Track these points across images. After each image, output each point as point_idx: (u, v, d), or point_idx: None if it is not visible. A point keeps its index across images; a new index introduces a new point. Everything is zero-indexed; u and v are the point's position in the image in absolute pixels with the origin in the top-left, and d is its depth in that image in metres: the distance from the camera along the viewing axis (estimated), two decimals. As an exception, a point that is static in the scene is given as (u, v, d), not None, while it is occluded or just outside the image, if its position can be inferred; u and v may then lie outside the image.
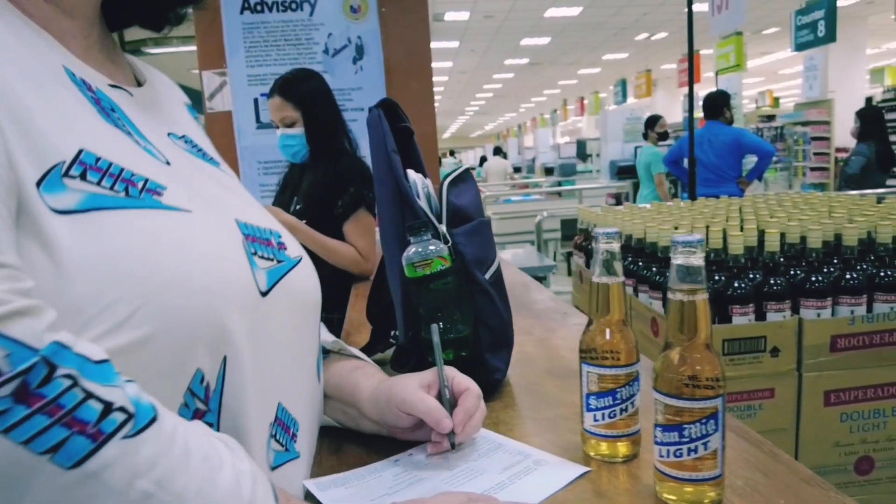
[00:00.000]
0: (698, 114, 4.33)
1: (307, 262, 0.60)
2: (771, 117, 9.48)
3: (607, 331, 0.60)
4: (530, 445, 0.66)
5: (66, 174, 0.39)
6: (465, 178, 0.84)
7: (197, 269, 0.42)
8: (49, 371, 0.32)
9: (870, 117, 4.96)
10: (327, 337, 0.74)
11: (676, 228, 1.68)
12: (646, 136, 5.68)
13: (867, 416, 1.41)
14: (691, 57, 3.00)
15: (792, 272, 1.39)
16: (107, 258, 0.38)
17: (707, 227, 1.66)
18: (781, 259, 1.40)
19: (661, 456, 0.53)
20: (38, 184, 0.38)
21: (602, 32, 11.22)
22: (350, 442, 0.69)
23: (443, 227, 0.78)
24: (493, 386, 0.82)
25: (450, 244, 0.77)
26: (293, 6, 2.42)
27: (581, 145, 10.39)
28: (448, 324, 0.75)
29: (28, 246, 0.37)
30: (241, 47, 2.45)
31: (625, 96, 11.97)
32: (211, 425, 0.43)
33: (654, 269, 1.62)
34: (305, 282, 0.58)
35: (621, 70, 14.56)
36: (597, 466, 0.61)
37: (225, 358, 0.44)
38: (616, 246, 0.59)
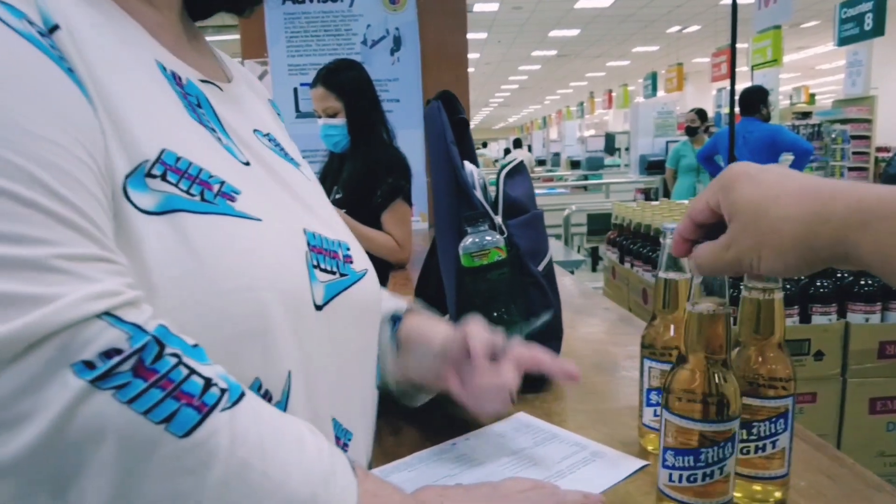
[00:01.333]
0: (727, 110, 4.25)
1: (371, 276, 0.58)
2: (807, 114, 9.24)
3: (672, 327, 0.60)
4: (585, 437, 0.67)
5: (149, 174, 0.40)
6: (520, 170, 0.84)
7: (255, 280, 0.42)
8: (159, 349, 0.34)
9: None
10: (401, 302, 0.73)
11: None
12: (695, 132, 5.54)
13: (912, 427, 1.38)
14: (734, 52, 2.94)
15: (839, 275, 1.36)
16: (174, 262, 0.39)
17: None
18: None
19: (728, 453, 0.52)
20: (127, 177, 0.39)
21: (632, 24, 11.04)
22: (408, 423, 0.70)
23: (499, 219, 0.78)
24: (543, 377, 0.82)
25: (505, 235, 0.77)
26: (333, -4, 2.43)
27: (609, 139, 10.26)
28: (502, 313, 0.76)
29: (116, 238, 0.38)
30: (281, 37, 2.47)
31: (655, 90, 11.77)
32: None
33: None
34: (367, 295, 0.57)
35: (651, 63, 14.33)
36: (655, 461, 0.61)
37: (290, 373, 0.44)
38: None
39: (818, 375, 1.39)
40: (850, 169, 7.52)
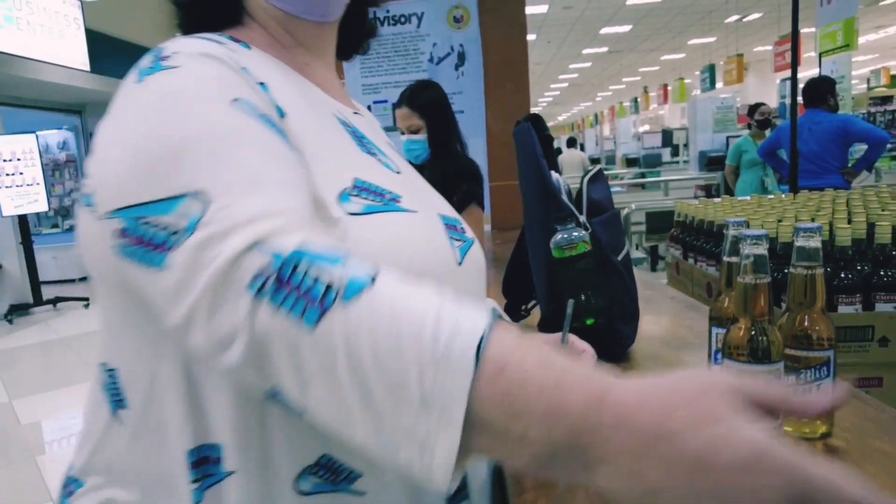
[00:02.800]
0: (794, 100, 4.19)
1: (478, 242, 0.76)
2: (887, 99, 8.80)
3: (753, 330, 0.73)
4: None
5: (350, 195, 0.59)
6: (599, 177, 1.00)
7: (423, 251, 0.61)
8: (293, 267, 0.41)
9: None
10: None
11: (780, 221, 1.75)
12: (750, 126, 5.49)
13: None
14: (795, 41, 2.95)
15: (902, 263, 1.43)
16: (374, 241, 0.57)
17: (812, 219, 1.72)
18: (894, 252, 1.45)
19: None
20: (338, 196, 0.57)
21: (688, 16, 10.85)
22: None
23: (583, 218, 0.94)
24: (623, 350, 0.97)
25: (589, 231, 0.93)
26: (402, 20, 2.64)
27: (667, 135, 10.12)
28: (588, 296, 0.91)
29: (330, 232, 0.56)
30: (357, 59, 2.70)
31: (713, 83, 11.52)
32: None
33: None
34: (479, 254, 0.75)
35: (708, 54, 13.98)
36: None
37: None
38: (765, 248, 0.63)
39: (883, 361, 1.45)
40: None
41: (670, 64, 16.11)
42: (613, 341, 0.93)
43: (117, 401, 0.61)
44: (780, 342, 0.61)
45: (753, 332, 0.61)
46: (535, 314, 1.10)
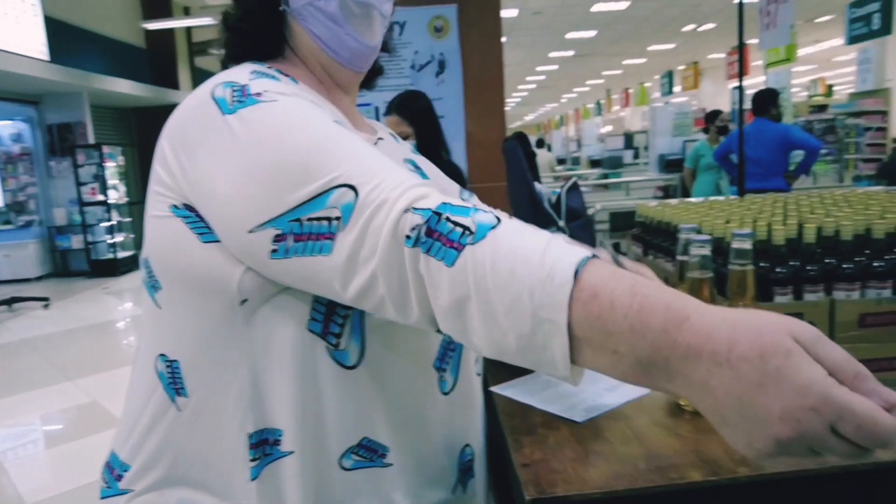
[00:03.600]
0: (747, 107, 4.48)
1: None
2: (823, 107, 9.40)
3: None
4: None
5: None
6: (575, 186, 1.17)
7: None
8: (438, 217, 0.52)
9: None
10: None
11: (728, 222, 1.97)
12: (706, 130, 5.80)
13: (891, 384, 1.67)
14: (741, 54, 3.21)
15: (826, 260, 1.67)
16: None
17: (754, 221, 1.95)
18: (818, 249, 1.68)
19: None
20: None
21: (649, 24, 11.26)
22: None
23: (562, 222, 1.12)
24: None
25: (568, 234, 1.10)
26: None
27: (628, 138, 10.49)
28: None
29: None
30: (341, 64, 2.82)
31: (671, 88, 11.98)
32: None
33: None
34: None
35: (667, 60, 14.49)
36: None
37: None
38: (709, 249, 0.80)
39: (813, 344, 1.68)
40: (866, 161, 7.68)
41: (632, 68, 16.60)
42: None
43: (176, 389, 0.66)
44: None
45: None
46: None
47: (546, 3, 9.17)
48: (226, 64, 0.75)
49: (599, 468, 0.68)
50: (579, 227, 1.12)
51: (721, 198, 3.61)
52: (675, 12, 10.43)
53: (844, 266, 1.65)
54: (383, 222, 0.54)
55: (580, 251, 0.48)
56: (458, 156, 2.81)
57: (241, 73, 0.67)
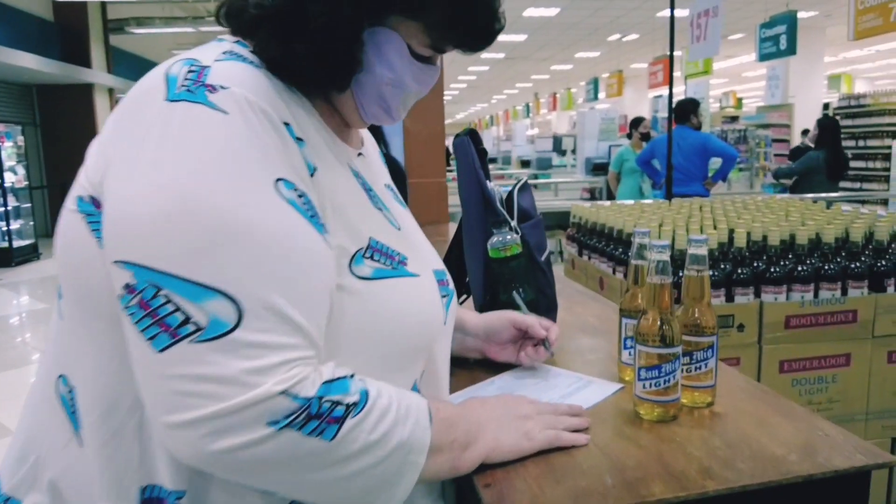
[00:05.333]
0: (663, 115, 4.69)
1: (454, 289, 0.80)
2: (734, 118, 10.04)
3: (639, 296, 0.90)
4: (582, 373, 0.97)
5: (364, 255, 0.61)
6: (526, 186, 1.14)
7: (423, 317, 0.67)
8: (319, 401, 0.52)
9: (826, 127, 5.42)
10: None
11: (661, 225, 2.02)
12: (630, 136, 6.01)
13: (813, 382, 1.76)
14: (671, 66, 3.33)
15: (755, 264, 1.73)
16: (380, 310, 0.62)
17: (686, 225, 2.00)
18: (747, 253, 1.74)
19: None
20: (351, 259, 0.60)
21: (577, 31, 11.60)
22: (461, 368, 0.98)
23: (514, 223, 1.08)
24: (545, 339, 1.12)
25: (520, 234, 1.06)
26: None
27: (557, 141, 10.77)
28: (518, 290, 1.05)
29: (336, 293, 0.59)
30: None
31: (596, 94, 12.40)
32: None
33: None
34: (456, 305, 0.81)
35: (593, 67, 15.00)
36: (629, 385, 0.91)
37: (423, 371, 0.70)
38: (668, 255, 0.78)
39: (740, 343, 1.75)
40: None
41: (559, 74, 17.07)
42: (538, 330, 1.07)
43: (76, 419, 0.59)
44: (679, 330, 0.78)
45: (661, 323, 0.77)
46: (467, 306, 1.22)
47: (479, 3, 9.21)
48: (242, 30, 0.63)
49: (565, 485, 0.64)
50: (531, 227, 1.09)
51: (650, 201, 3.75)
52: (600, 21, 10.79)
53: (772, 270, 1.73)
54: (248, 386, 0.50)
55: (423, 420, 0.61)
56: (397, 151, 2.73)
57: (212, 51, 0.59)
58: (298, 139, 0.59)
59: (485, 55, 13.77)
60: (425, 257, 0.73)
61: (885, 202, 6.17)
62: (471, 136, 1.10)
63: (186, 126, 0.53)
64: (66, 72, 8.25)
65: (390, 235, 0.67)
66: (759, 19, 6.53)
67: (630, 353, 0.92)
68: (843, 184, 5.67)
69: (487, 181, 1.10)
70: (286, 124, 0.58)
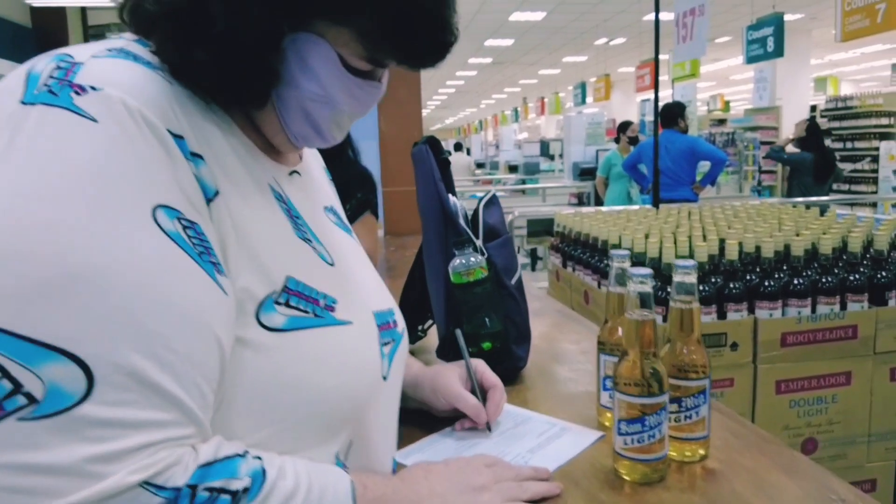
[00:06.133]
0: (651, 118, 4.61)
1: (404, 328, 0.69)
2: (722, 121, 10.01)
3: (619, 329, 0.78)
4: (554, 417, 0.84)
5: (276, 301, 0.50)
6: (494, 201, 1.01)
7: (350, 374, 0.54)
8: (192, 493, 0.42)
9: (810, 130, 5.37)
10: None
11: (647, 236, 1.90)
12: (618, 140, 5.94)
13: (811, 403, 1.65)
14: (657, 67, 3.23)
15: (748, 277, 1.61)
16: (293, 370, 0.50)
17: (674, 235, 1.89)
18: (739, 266, 1.62)
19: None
20: (259, 306, 0.48)
21: (563, 36, 11.55)
22: (412, 416, 0.85)
23: (479, 242, 0.95)
24: (517, 372, 0.99)
25: (486, 256, 0.94)
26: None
27: (544, 145, 10.69)
28: (486, 320, 0.92)
29: (237, 348, 0.47)
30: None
31: (584, 98, 12.35)
32: None
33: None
34: (406, 347, 0.68)
35: (580, 72, 14.96)
36: (610, 432, 0.79)
37: (351, 441, 0.56)
38: (650, 286, 0.65)
39: (734, 363, 1.63)
40: (762, 172, 8.21)
41: (547, 78, 17.04)
42: (508, 363, 0.95)
43: None
44: (665, 375, 0.66)
45: (643, 368, 0.65)
46: (432, 334, 1.10)
47: (465, 8, 9.14)
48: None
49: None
50: (498, 247, 0.96)
51: (635, 207, 3.64)
52: (587, 25, 10.74)
53: (766, 283, 1.61)
54: (93, 477, 0.38)
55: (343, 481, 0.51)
56: (371, 156, 2.60)
57: (93, 47, 0.48)
58: (195, 155, 0.48)
59: (472, 59, 13.70)
60: (364, 296, 0.61)
61: (874, 205, 6.12)
62: (430, 145, 0.97)
63: (40, 135, 0.42)
64: (42, 79, 8.10)
65: (317, 273, 0.55)
66: (746, 22, 6.48)
67: (610, 396, 0.79)
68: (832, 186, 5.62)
69: (450, 195, 0.97)
70: (178, 137, 0.47)
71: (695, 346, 0.70)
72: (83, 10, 9.10)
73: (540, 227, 5.39)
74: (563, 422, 0.83)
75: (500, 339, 0.93)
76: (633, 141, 5.71)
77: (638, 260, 1.81)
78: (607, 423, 0.81)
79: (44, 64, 0.46)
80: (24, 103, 0.43)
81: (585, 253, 2.23)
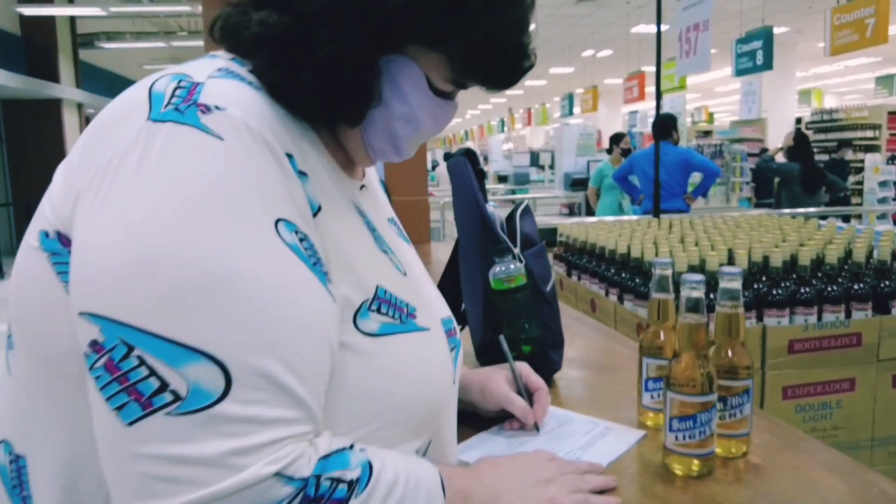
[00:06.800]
0: (639, 130, 4.68)
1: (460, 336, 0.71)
2: (708, 133, 10.18)
3: (661, 333, 0.82)
4: (594, 417, 0.87)
5: (370, 308, 0.53)
6: (528, 210, 1.05)
7: (432, 377, 0.58)
8: (317, 481, 0.45)
9: (798, 141, 5.50)
10: None
11: (656, 244, 1.95)
12: (610, 152, 6.01)
13: (817, 408, 1.69)
14: (658, 80, 3.30)
15: (756, 286, 1.67)
16: (388, 372, 0.53)
17: (682, 245, 1.94)
18: (748, 275, 1.68)
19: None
20: (356, 312, 0.52)
21: (551, 47, 11.70)
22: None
23: (517, 250, 0.98)
24: (552, 376, 1.02)
25: (524, 263, 0.97)
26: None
27: (534, 156, 10.78)
28: (525, 325, 0.95)
29: (340, 352, 0.50)
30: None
31: (571, 110, 12.50)
32: None
33: (637, 280, 1.87)
34: (461, 357, 0.70)
35: (567, 83, 15.15)
36: (652, 432, 0.82)
37: (430, 440, 0.59)
38: (702, 291, 0.70)
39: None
40: (748, 184, 8.36)
41: (533, 89, 17.22)
42: (544, 368, 0.98)
43: (22, 496, 0.52)
44: (714, 375, 0.69)
45: (697, 368, 0.68)
46: (463, 337, 1.12)
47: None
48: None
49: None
50: (534, 255, 0.99)
51: (634, 217, 3.70)
52: (575, 37, 10.89)
53: (774, 292, 1.66)
54: (234, 469, 0.41)
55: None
56: (377, 167, 2.63)
57: (205, 66, 0.50)
58: (301, 173, 0.51)
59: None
60: (433, 305, 0.64)
61: (858, 217, 6.28)
62: (467, 156, 1.01)
63: (171, 152, 0.45)
64: (32, 86, 8.03)
65: (397, 282, 0.58)
66: (733, 35, 6.63)
67: (653, 397, 0.83)
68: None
69: (487, 204, 1.01)
70: (289, 156, 0.50)
71: (739, 348, 0.74)
72: (72, 18, 9.07)
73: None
74: (605, 421, 0.86)
75: (539, 343, 0.97)
76: (626, 153, 5.80)
77: (640, 266, 1.86)
78: (649, 423, 0.84)
79: (165, 83, 0.48)
80: (151, 120, 0.46)
81: (591, 262, 2.28)
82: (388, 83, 0.54)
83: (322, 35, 0.50)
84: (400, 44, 0.53)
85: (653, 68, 3.71)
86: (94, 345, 0.43)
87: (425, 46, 0.54)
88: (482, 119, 24.31)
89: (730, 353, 0.74)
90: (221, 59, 0.53)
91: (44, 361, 0.50)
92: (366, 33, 0.51)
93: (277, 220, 0.46)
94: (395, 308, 0.56)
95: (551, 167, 9.65)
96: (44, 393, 0.51)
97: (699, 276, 0.70)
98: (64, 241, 0.48)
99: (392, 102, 0.55)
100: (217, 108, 0.46)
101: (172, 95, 0.47)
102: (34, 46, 8.69)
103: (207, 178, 0.44)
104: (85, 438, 0.47)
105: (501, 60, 0.56)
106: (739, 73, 6.36)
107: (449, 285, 1.09)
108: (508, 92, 18.29)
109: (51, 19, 8.65)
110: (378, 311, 0.54)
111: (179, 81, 0.48)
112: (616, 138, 5.94)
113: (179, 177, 0.44)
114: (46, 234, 0.49)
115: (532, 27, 0.59)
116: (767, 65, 5.83)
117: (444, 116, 0.59)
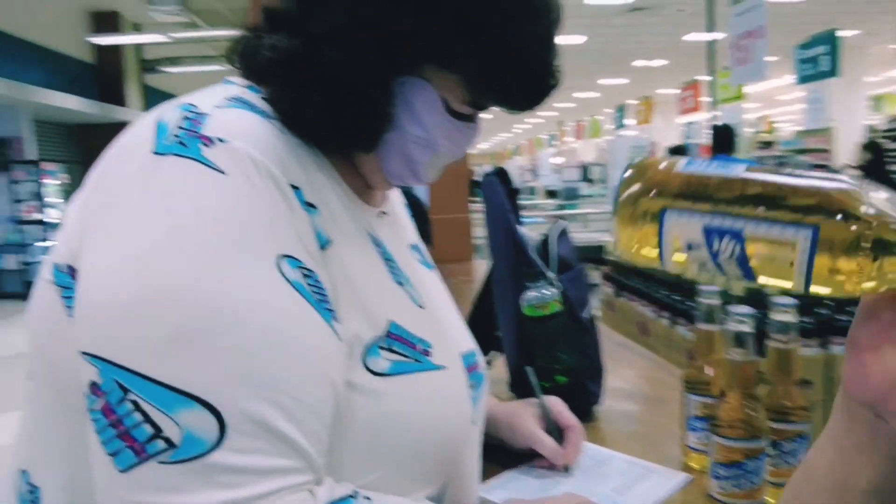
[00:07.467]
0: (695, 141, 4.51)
1: (486, 370, 0.67)
2: (769, 144, 9.75)
3: (706, 368, 0.75)
4: (634, 457, 0.81)
5: (380, 346, 0.50)
6: (566, 231, 1.00)
7: (446, 418, 0.54)
8: None
9: (871, 151, 5.18)
10: None
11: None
12: None
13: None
14: (714, 89, 3.17)
15: (819, 311, 1.55)
16: (397, 414, 0.50)
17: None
18: (812, 299, 1.56)
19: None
20: (365, 351, 0.49)
21: (603, 58, 11.53)
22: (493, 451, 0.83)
23: (552, 274, 0.94)
24: (591, 409, 0.97)
25: (560, 289, 0.92)
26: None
27: (585, 170, 10.61)
28: (560, 355, 0.90)
29: (347, 392, 0.47)
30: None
31: (623, 121, 12.24)
32: None
33: (690, 302, 1.77)
34: (487, 392, 0.66)
35: (619, 95, 14.89)
36: (697, 475, 0.75)
37: (445, 483, 0.55)
38: (752, 326, 0.63)
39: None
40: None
41: (584, 102, 17.01)
42: (582, 400, 0.92)
43: None
44: (765, 419, 0.63)
45: (745, 410, 0.62)
46: (497, 366, 1.08)
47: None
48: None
49: None
50: (571, 280, 0.94)
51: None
52: (627, 48, 10.70)
53: (839, 317, 1.54)
54: None
55: None
56: (420, 187, 2.63)
57: (214, 95, 0.50)
58: (310, 205, 0.49)
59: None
60: (453, 339, 0.61)
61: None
62: (498, 176, 0.97)
63: (173, 186, 0.44)
64: (104, 111, 8.60)
65: (412, 317, 0.55)
66: (795, 40, 6.33)
67: (698, 437, 0.76)
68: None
69: (519, 225, 0.97)
70: (296, 188, 0.48)
71: (793, 388, 0.67)
72: (138, 46, 9.64)
73: (582, 256, 5.32)
74: (646, 462, 0.80)
75: (575, 374, 0.91)
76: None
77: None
78: (694, 465, 0.77)
79: (171, 114, 0.48)
80: (156, 153, 0.45)
81: (641, 283, 2.19)
82: (403, 106, 0.52)
83: (334, 57, 0.49)
84: (414, 65, 0.51)
85: (707, 77, 3.57)
86: (94, 386, 0.42)
87: (440, 67, 0.51)
88: (532, 133, 24.18)
89: (783, 392, 0.67)
90: (236, 86, 0.52)
91: (56, 394, 0.50)
92: (378, 53, 0.49)
93: (280, 257, 0.45)
94: (407, 345, 0.53)
95: (603, 181, 9.46)
96: (55, 426, 0.51)
97: (746, 309, 0.63)
98: (74, 275, 0.48)
99: (407, 126, 0.53)
100: (220, 140, 0.45)
101: (178, 126, 0.46)
102: (104, 73, 9.29)
103: (208, 215, 0.43)
104: (90, 476, 0.46)
105: (521, 80, 0.53)
106: (803, 80, 6.06)
107: (484, 310, 1.06)
108: (557, 104, 18.10)
109: (119, 47, 9.23)
110: (389, 349, 0.51)
111: (186, 112, 0.47)
112: (676, 151, 5.77)
113: (179, 213, 0.43)
114: (59, 268, 0.49)
115: (558, 42, 0.55)
116: (833, 71, 5.53)
117: (462, 139, 0.56)
